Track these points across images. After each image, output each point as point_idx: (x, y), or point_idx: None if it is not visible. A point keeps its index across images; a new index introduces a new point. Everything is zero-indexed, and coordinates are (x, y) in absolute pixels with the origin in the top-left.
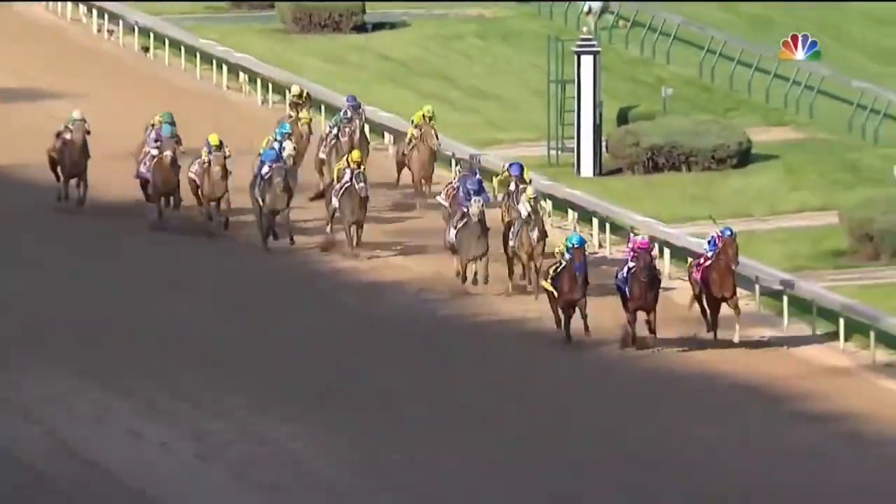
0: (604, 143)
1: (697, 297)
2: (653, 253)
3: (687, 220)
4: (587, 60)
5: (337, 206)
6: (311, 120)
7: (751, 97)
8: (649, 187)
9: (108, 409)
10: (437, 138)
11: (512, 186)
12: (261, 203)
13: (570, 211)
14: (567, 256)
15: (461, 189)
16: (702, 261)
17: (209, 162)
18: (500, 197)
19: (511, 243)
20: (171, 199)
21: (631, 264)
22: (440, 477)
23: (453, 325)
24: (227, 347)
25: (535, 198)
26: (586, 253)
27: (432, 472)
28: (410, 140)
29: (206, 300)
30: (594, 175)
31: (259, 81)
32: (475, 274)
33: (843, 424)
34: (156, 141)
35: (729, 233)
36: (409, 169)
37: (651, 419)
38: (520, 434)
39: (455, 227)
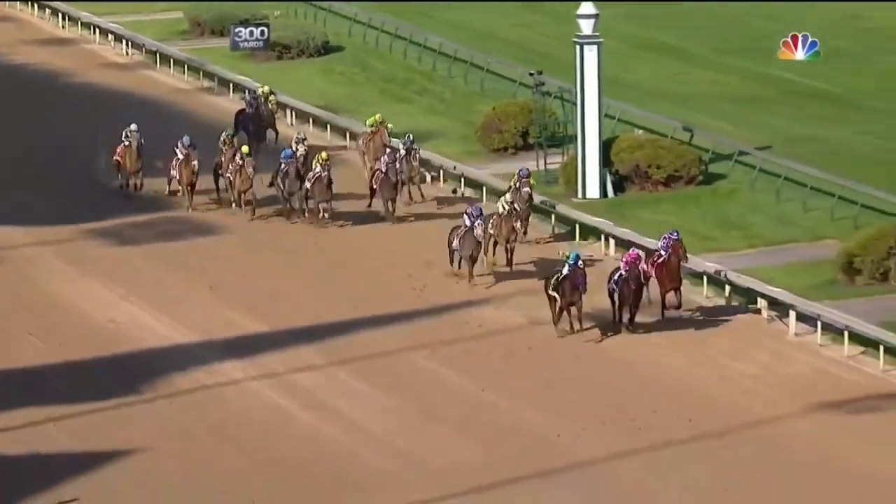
0: None
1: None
2: (640, 263)
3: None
4: None
5: (309, 188)
6: (277, 104)
7: None
8: None
9: None
10: (388, 135)
11: (518, 184)
12: (282, 188)
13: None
14: (567, 269)
15: (467, 213)
16: (655, 258)
17: (242, 165)
18: (508, 194)
19: (491, 231)
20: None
21: (623, 272)
22: None
23: None
24: None
25: (512, 202)
26: (583, 266)
27: None
28: (371, 133)
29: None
30: None
31: None
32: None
33: None
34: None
35: (676, 235)
36: (367, 156)
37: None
38: None
39: (459, 237)
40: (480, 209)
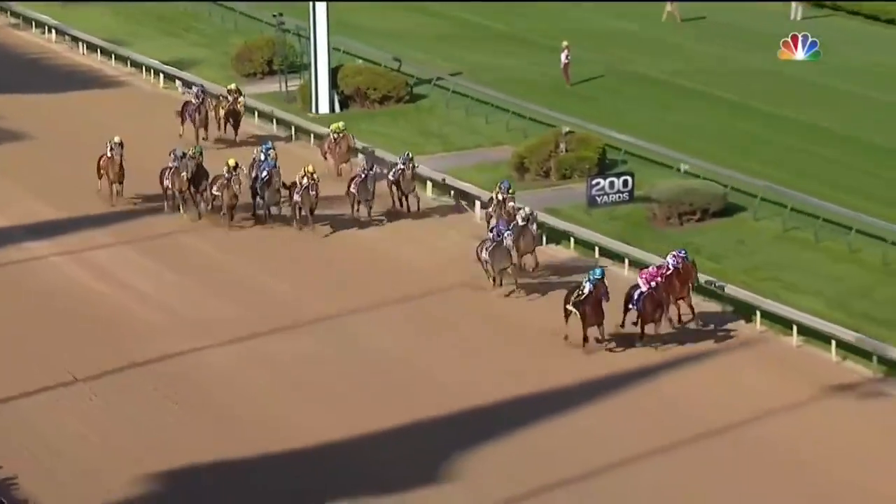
0: None
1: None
2: (658, 280)
3: None
4: None
5: (299, 200)
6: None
7: None
8: None
9: None
10: (354, 139)
11: (500, 196)
12: (262, 198)
13: None
14: (589, 286)
15: (495, 226)
16: (664, 270)
17: (230, 179)
18: (491, 206)
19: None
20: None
21: (643, 289)
22: None
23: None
24: None
25: (530, 215)
26: (606, 283)
27: None
28: (335, 139)
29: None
30: None
31: None
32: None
33: None
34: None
35: (684, 254)
36: (333, 158)
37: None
38: None
39: (487, 250)
40: (508, 223)
